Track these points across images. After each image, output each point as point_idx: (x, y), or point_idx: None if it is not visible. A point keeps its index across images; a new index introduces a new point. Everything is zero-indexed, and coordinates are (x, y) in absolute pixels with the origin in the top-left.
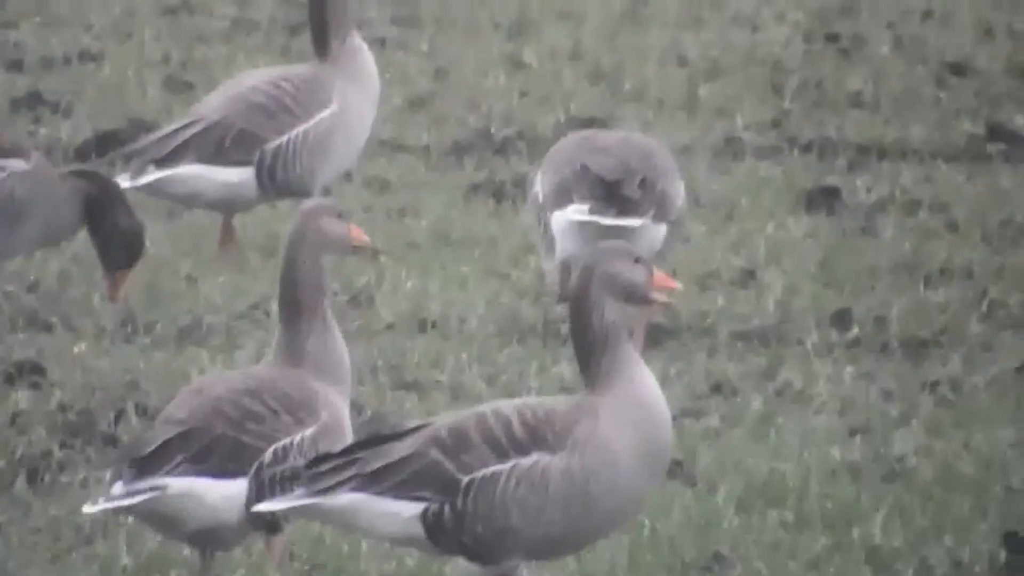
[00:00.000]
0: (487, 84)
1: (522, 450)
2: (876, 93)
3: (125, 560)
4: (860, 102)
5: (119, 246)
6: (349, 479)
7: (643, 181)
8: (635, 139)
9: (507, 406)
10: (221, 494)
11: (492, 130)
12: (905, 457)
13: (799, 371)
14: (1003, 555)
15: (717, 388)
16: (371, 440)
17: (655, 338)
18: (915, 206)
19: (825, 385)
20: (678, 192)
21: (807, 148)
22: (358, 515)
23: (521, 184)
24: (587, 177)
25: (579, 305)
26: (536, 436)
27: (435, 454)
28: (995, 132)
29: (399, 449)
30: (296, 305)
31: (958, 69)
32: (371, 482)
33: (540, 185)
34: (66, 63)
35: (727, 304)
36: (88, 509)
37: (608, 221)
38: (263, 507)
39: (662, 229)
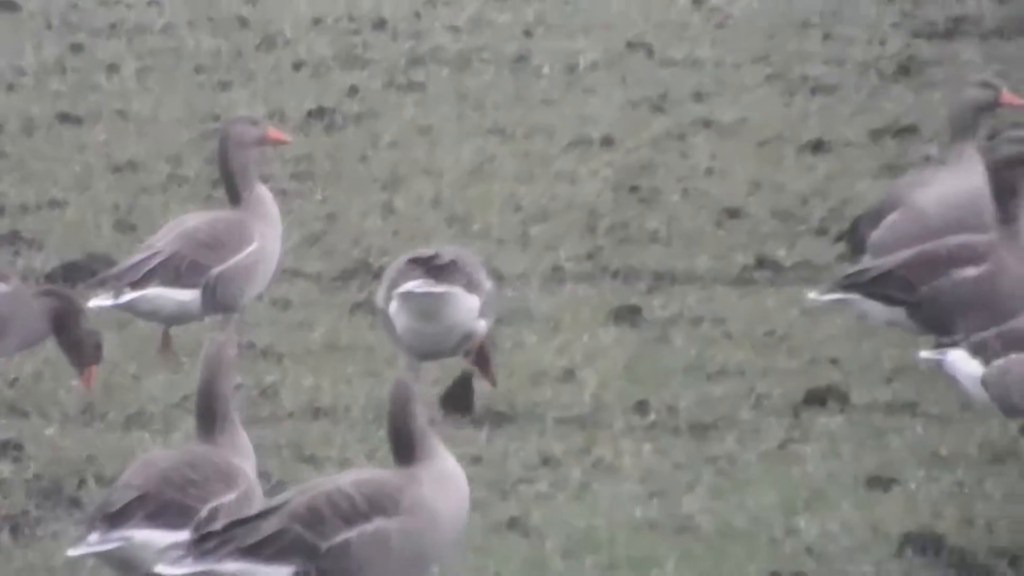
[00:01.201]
0: (367, 225)
1: (365, 517)
2: (669, 232)
3: None
4: (657, 238)
5: (86, 347)
6: (232, 552)
7: (453, 262)
8: (451, 247)
9: (346, 482)
10: (170, 543)
11: (371, 260)
12: (693, 515)
13: (610, 448)
14: None
15: (546, 461)
16: (245, 520)
17: (496, 422)
18: (699, 320)
19: (630, 459)
20: (484, 279)
21: (616, 275)
22: None
23: None
24: (408, 266)
25: (396, 411)
26: (374, 504)
27: (298, 528)
28: (761, 262)
29: (268, 526)
30: (211, 409)
31: (733, 213)
32: (249, 553)
33: (379, 296)
34: (38, 208)
35: (553, 396)
36: (72, 552)
37: (424, 288)
38: (162, 570)
39: (474, 301)
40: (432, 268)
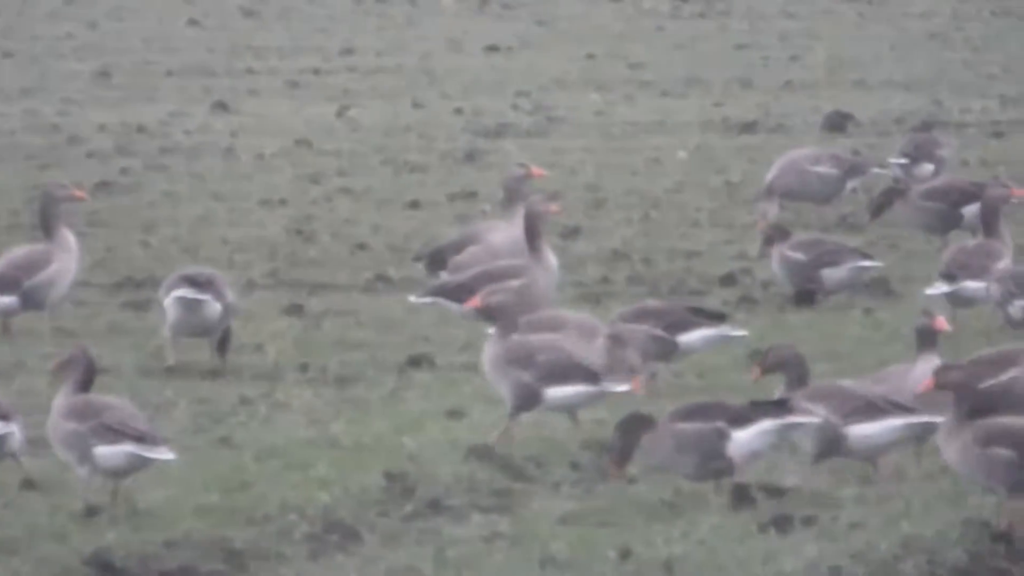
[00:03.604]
0: (132, 252)
1: None
2: (325, 257)
3: None
4: (315, 263)
5: None
6: None
7: (207, 279)
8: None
9: None
10: None
11: (134, 275)
12: (337, 435)
13: (284, 393)
14: None
15: (243, 401)
16: None
17: (215, 376)
18: (343, 313)
19: (297, 400)
20: (229, 293)
21: (287, 285)
22: None
23: None
24: (179, 279)
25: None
26: None
27: None
28: (380, 277)
29: None
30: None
31: (363, 247)
32: None
33: (160, 295)
34: None
35: (248, 361)
36: None
37: (180, 294)
38: None
39: (219, 308)
40: (195, 282)
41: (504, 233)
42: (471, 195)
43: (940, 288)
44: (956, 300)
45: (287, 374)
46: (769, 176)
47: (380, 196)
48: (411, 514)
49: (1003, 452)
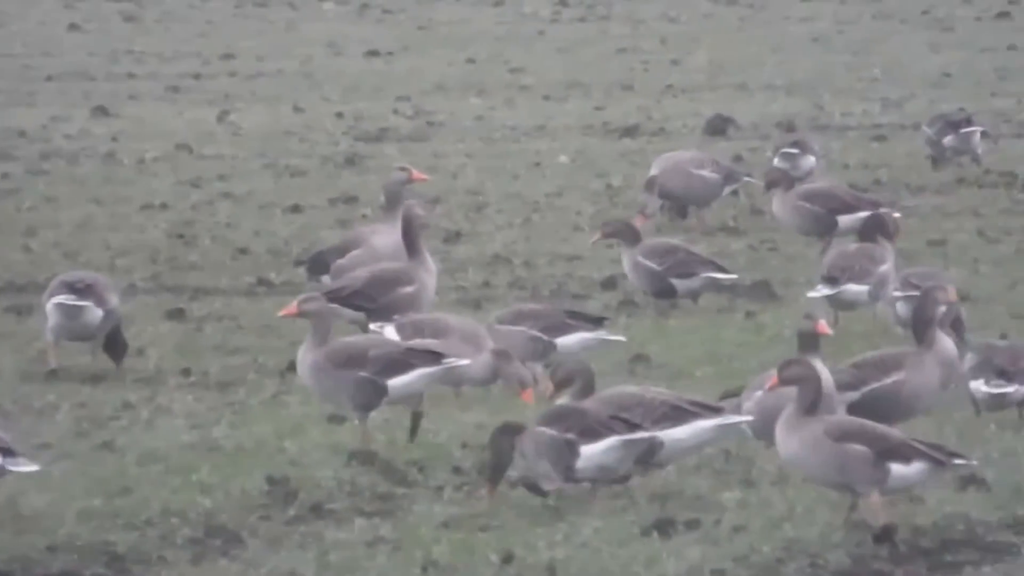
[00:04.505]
0: (13, 257)
1: None
2: (204, 262)
3: None
4: (195, 266)
5: None
6: None
7: (88, 284)
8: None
9: None
10: None
11: (14, 280)
12: (219, 438)
13: (167, 398)
14: None
15: (126, 406)
16: None
17: (96, 381)
18: (223, 317)
19: (178, 404)
20: (112, 298)
21: (169, 289)
22: None
23: None
24: (60, 285)
25: None
26: None
27: None
28: (261, 281)
29: None
30: None
31: (244, 250)
32: None
33: (43, 300)
34: None
35: (130, 364)
36: None
37: (59, 299)
38: None
39: (100, 313)
40: (74, 288)
41: (386, 236)
42: (352, 199)
43: (822, 291)
44: (838, 303)
45: (169, 378)
46: (651, 172)
47: (261, 200)
48: (293, 518)
49: (858, 448)
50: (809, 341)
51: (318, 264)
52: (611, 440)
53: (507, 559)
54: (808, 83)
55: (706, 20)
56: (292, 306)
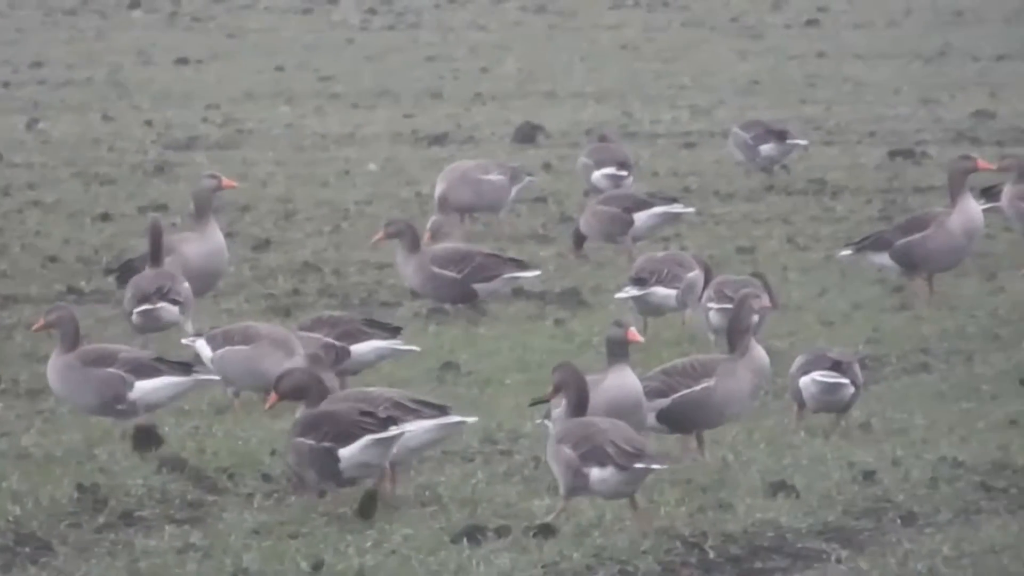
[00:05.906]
0: None
1: None
2: (8, 271)
3: None
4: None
5: None
6: None
7: None
8: None
9: None
10: None
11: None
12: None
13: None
14: None
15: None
16: None
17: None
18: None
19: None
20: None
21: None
22: None
23: None
24: None
25: None
26: None
27: None
28: (72, 289)
29: None
30: None
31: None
32: None
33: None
34: None
35: None
36: None
37: None
38: None
39: None
40: None
41: (195, 244)
42: (162, 207)
43: (629, 292)
44: (645, 307)
45: None
46: (439, 191)
47: (71, 208)
48: (103, 526)
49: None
50: (619, 348)
51: (128, 272)
52: (365, 440)
53: (317, 566)
54: (617, 91)
55: (515, 28)
56: (40, 321)
